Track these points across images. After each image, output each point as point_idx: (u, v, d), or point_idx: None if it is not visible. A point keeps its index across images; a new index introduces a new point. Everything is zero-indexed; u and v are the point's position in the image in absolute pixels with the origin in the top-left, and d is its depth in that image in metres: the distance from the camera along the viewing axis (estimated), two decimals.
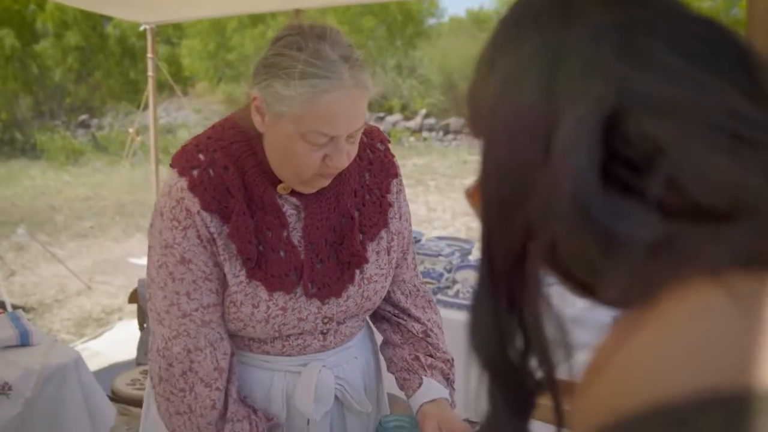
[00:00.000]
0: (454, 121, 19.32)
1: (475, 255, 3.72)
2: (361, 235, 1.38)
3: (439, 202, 10.83)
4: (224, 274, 1.27)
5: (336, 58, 1.16)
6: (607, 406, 0.42)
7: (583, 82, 0.47)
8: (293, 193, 1.31)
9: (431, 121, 19.77)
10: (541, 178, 0.48)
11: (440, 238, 3.68)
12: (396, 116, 20.26)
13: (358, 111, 1.21)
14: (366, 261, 1.37)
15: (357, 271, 1.37)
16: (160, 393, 1.29)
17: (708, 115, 0.44)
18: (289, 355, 1.37)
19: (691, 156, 0.43)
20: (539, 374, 0.52)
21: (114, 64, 20.20)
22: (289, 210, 1.31)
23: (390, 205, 1.43)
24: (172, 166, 1.27)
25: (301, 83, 1.15)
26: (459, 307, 2.98)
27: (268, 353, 1.36)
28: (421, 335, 1.50)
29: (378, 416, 1.52)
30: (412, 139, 19.08)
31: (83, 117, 20.00)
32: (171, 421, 1.30)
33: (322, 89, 1.15)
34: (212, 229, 1.24)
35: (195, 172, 1.24)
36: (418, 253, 3.29)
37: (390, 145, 1.48)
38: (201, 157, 1.26)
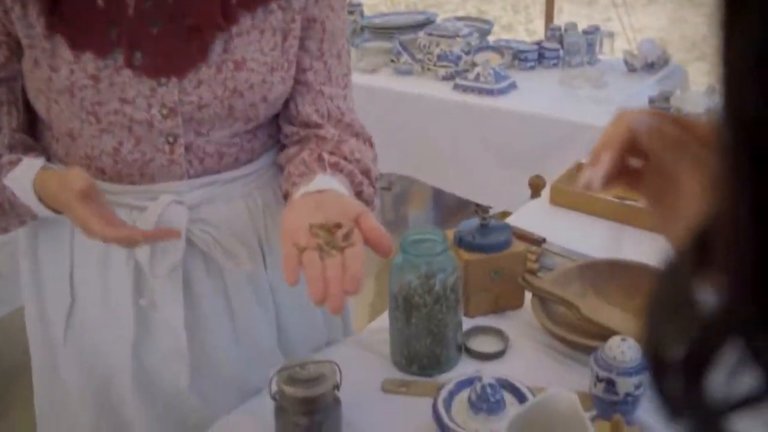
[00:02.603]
0: None
1: (496, 36, 3.38)
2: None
3: None
4: (14, 32, 1.02)
5: None
6: None
7: None
8: None
9: None
10: None
11: (458, 18, 3.32)
12: None
13: None
14: (220, 27, 1.01)
15: (215, 47, 1.02)
16: None
17: None
18: (132, 182, 1.07)
19: None
20: None
21: None
22: None
23: None
24: None
25: None
26: (480, 91, 2.69)
27: (103, 173, 1.06)
28: (329, 138, 1.11)
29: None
30: None
31: None
32: None
33: None
34: None
35: None
36: (432, 35, 2.94)
37: None
38: None
